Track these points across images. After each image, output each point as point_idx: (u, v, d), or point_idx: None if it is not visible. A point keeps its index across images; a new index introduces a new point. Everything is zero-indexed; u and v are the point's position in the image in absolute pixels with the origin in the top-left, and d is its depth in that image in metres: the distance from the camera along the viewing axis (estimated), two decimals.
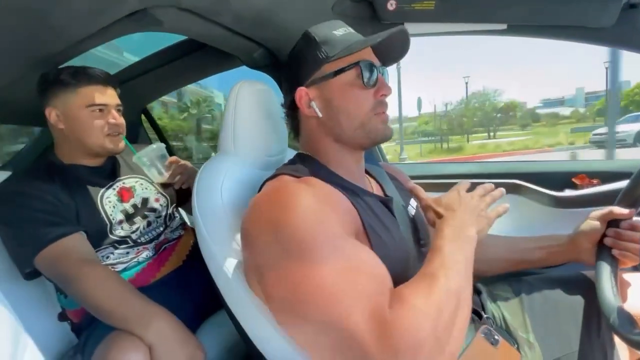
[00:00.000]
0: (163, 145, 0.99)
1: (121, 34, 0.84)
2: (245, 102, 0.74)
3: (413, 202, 0.74)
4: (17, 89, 1.03)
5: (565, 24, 0.78)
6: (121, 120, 0.93)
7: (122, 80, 1.42)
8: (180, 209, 1.16)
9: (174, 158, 1.01)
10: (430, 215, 0.60)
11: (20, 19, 0.68)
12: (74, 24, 0.74)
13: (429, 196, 0.64)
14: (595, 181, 0.99)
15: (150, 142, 1.77)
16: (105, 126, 0.89)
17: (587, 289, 0.74)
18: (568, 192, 1.00)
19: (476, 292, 0.78)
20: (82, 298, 0.76)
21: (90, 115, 0.87)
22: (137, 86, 1.42)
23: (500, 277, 0.83)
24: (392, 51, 0.64)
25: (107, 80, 0.90)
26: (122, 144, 0.95)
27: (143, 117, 1.70)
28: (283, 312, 0.48)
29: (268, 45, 0.99)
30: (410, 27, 0.87)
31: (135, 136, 1.62)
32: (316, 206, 0.48)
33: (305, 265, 0.44)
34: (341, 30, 0.60)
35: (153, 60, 1.32)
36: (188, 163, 1.04)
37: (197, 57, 1.22)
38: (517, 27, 0.81)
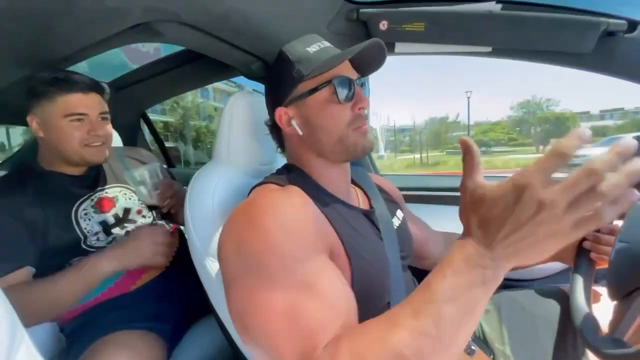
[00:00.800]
0: (158, 164, 0.96)
1: (123, 44, 0.87)
2: (240, 113, 0.77)
3: (399, 213, 0.75)
4: (17, 90, 1.06)
5: (546, 49, 0.81)
6: (103, 131, 0.89)
7: (123, 85, 1.46)
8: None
9: (167, 181, 0.95)
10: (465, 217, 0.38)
11: (26, 25, 0.70)
12: (78, 33, 0.77)
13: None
14: None
15: (148, 146, 1.80)
16: (85, 136, 0.86)
17: (565, 303, 0.77)
18: None
19: None
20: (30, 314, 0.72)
21: (69, 125, 0.84)
22: (138, 91, 1.45)
23: None
24: (370, 62, 0.63)
25: (90, 87, 0.87)
26: (104, 154, 0.91)
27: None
28: (239, 331, 0.47)
29: (266, 58, 1.03)
30: (401, 47, 0.91)
31: (134, 140, 1.65)
32: (281, 224, 0.46)
33: (260, 288, 0.43)
34: (315, 47, 0.60)
35: (154, 67, 1.35)
36: (179, 186, 1.00)
37: (197, 66, 1.26)
38: (501, 50, 0.85)
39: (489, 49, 0.84)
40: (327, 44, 0.62)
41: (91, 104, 0.87)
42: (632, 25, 0.75)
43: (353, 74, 0.61)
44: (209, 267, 0.67)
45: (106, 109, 0.91)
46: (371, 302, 0.54)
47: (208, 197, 0.69)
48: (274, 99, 0.63)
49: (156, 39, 0.85)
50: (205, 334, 0.92)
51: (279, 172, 0.65)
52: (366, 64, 0.63)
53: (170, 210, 0.97)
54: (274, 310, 0.41)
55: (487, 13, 0.81)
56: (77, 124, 0.85)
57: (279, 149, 0.71)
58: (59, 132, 0.85)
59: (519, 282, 1.00)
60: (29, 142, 1.84)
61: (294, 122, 0.60)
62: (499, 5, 0.81)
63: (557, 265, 1.02)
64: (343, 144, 0.59)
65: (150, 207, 0.98)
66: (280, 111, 0.61)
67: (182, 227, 0.79)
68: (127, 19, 0.73)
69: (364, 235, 0.59)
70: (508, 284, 0.98)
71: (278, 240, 0.45)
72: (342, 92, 0.57)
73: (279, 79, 0.61)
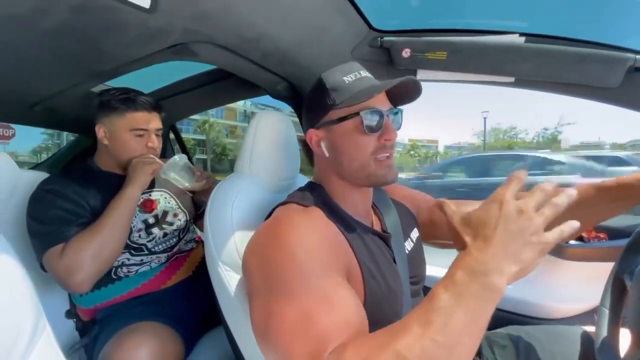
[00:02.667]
0: (184, 155, 1.05)
1: (161, 61, 0.94)
2: (264, 129, 0.81)
3: (415, 233, 0.75)
4: (64, 98, 1.16)
5: (571, 82, 0.81)
6: (157, 144, 1.01)
7: (157, 99, 1.55)
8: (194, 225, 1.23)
9: (197, 168, 1.09)
10: (460, 242, 0.45)
11: (81, 43, 0.78)
12: (122, 51, 0.85)
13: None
14: (602, 235, 0.98)
15: (174, 154, 1.88)
16: (144, 149, 0.99)
17: (587, 344, 0.72)
18: (574, 243, 0.99)
19: None
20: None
21: (132, 138, 0.97)
22: (169, 105, 1.54)
23: (501, 324, 0.82)
24: (404, 95, 0.65)
25: (152, 107, 1.00)
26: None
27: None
28: (258, 337, 0.49)
29: (291, 79, 1.08)
30: (423, 74, 0.94)
31: (164, 151, 1.74)
32: (305, 241, 0.49)
33: (280, 301, 0.46)
34: (351, 77, 0.62)
35: (186, 84, 1.44)
36: (209, 174, 1.12)
37: (226, 84, 1.33)
38: (524, 81, 0.86)
39: (512, 79, 0.85)
40: (365, 73, 0.64)
41: (152, 121, 1.00)
42: None
43: (385, 105, 0.62)
44: (222, 275, 0.68)
45: (161, 126, 1.04)
46: (381, 326, 0.54)
47: (228, 207, 0.71)
48: (308, 121, 0.67)
49: (191, 58, 0.92)
50: (214, 345, 0.93)
51: (302, 190, 0.67)
52: (400, 96, 0.65)
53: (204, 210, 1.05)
54: (290, 315, 0.45)
55: (511, 45, 0.82)
56: (139, 138, 0.98)
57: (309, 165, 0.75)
58: (123, 143, 0.97)
59: (539, 321, 0.95)
60: (70, 142, 1.99)
61: (322, 144, 0.64)
62: (522, 38, 0.82)
63: (580, 306, 0.97)
64: (364, 171, 0.61)
65: (189, 193, 1.07)
66: (311, 133, 0.65)
67: None
68: (167, 40, 0.79)
69: (379, 261, 0.60)
70: (527, 322, 0.94)
71: (299, 258, 0.48)
72: (370, 124, 0.59)
73: (314, 103, 0.65)
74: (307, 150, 0.72)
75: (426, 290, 0.72)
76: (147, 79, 1.47)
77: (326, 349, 0.41)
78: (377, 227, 0.70)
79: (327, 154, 0.63)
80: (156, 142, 1.01)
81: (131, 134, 0.97)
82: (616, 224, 1.02)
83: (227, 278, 0.67)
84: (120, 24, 0.70)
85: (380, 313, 0.55)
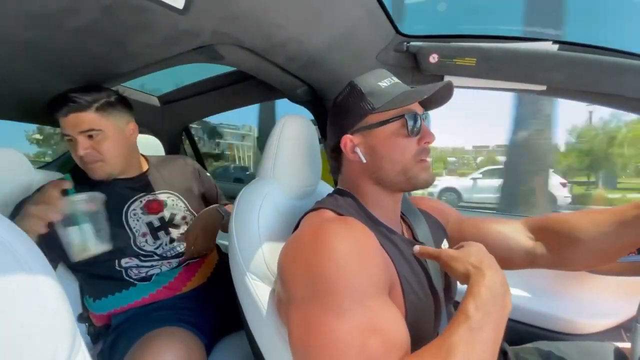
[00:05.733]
0: (101, 196, 0.78)
1: (184, 63, 0.93)
2: (289, 134, 0.79)
3: (445, 244, 0.73)
4: None
5: (604, 91, 0.79)
6: (85, 150, 0.87)
7: (172, 100, 1.55)
8: None
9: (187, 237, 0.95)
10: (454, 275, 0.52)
11: (103, 42, 0.77)
12: (147, 52, 0.83)
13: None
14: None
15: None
16: (79, 155, 0.88)
17: None
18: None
19: (501, 352, 0.75)
20: None
21: (70, 146, 0.90)
22: (185, 106, 1.53)
23: (530, 339, 0.80)
24: (435, 99, 0.65)
25: (70, 109, 0.86)
26: (101, 171, 0.91)
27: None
28: (295, 349, 0.48)
29: (313, 84, 1.06)
30: (450, 80, 0.92)
31: (176, 151, 1.72)
32: (353, 255, 0.48)
33: (327, 314, 0.45)
34: (386, 82, 0.63)
35: (201, 85, 1.43)
36: (200, 222, 0.97)
37: (243, 87, 1.32)
38: (557, 89, 0.84)
39: (544, 87, 0.83)
40: (396, 79, 0.65)
41: (71, 124, 0.87)
42: None
43: (419, 109, 0.63)
44: (248, 283, 0.66)
45: (91, 125, 0.88)
46: (420, 339, 0.52)
47: (254, 215, 0.70)
48: (340, 126, 0.65)
49: (216, 60, 0.91)
50: (231, 352, 0.91)
51: (332, 196, 0.66)
52: (431, 101, 0.65)
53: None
54: (340, 335, 0.43)
55: (543, 52, 0.81)
56: (71, 144, 0.89)
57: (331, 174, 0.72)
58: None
59: (565, 336, 0.93)
60: None
61: (358, 150, 0.62)
62: (556, 46, 0.81)
63: (607, 322, 0.94)
64: (405, 174, 0.61)
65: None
66: (346, 139, 0.63)
67: (225, 243, 0.80)
68: (194, 41, 0.78)
69: (416, 271, 0.59)
70: (553, 336, 0.92)
71: (348, 270, 0.46)
72: (411, 127, 0.59)
73: (348, 108, 0.64)
74: (335, 157, 0.69)
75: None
76: (160, 80, 1.47)
77: None
78: (408, 236, 0.69)
79: (364, 160, 0.62)
80: (83, 149, 0.86)
81: (67, 142, 0.88)
82: None
83: (255, 288, 0.65)
84: (149, 25, 0.69)
85: (419, 327, 0.54)
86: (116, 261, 0.90)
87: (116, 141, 0.93)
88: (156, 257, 0.95)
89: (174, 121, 1.62)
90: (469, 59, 0.86)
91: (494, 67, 0.85)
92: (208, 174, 1.23)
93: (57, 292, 0.38)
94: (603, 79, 0.77)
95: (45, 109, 1.21)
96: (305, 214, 0.62)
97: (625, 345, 0.73)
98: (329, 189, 0.90)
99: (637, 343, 0.57)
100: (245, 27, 0.74)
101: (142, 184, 1.01)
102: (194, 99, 1.49)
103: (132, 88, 1.47)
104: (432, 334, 0.58)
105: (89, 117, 0.88)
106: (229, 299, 0.79)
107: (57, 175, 1.07)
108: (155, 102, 1.57)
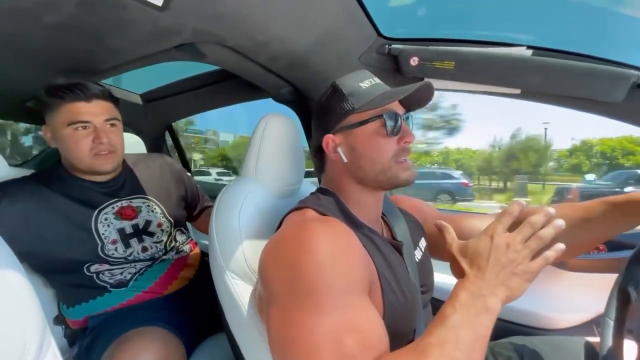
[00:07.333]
0: None
1: (166, 60, 0.92)
2: (271, 133, 0.79)
3: (422, 243, 0.75)
4: None
5: (577, 95, 0.83)
6: (108, 139, 0.86)
7: (154, 98, 1.52)
8: (191, 224, 1.19)
9: None
10: (456, 267, 0.52)
11: (83, 38, 0.75)
12: (128, 48, 0.82)
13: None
14: (601, 247, 0.99)
15: (169, 154, 1.84)
16: (91, 144, 0.84)
17: (590, 356, 0.73)
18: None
19: None
20: None
21: (73, 133, 0.83)
22: (167, 105, 1.51)
23: (504, 335, 0.82)
24: (416, 100, 0.66)
25: (94, 94, 0.84)
26: (111, 163, 0.89)
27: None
28: (273, 346, 0.48)
29: (296, 84, 1.07)
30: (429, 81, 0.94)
31: (159, 150, 1.70)
32: (335, 255, 0.48)
33: (306, 312, 0.45)
34: (367, 82, 0.63)
35: (187, 83, 1.42)
36: None
37: (227, 86, 1.31)
38: (530, 93, 0.87)
39: (518, 91, 0.86)
40: (377, 80, 0.65)
41: (95, 111, 0.84)
42: None
43: (400, 109, 0.64)
44: (228, 282, 0.66)
45: (114, 115, 0.89)
46: (397, 339, 0.53)
47: (235, 213, 0.70)
48: (323, 127, 0.66)
49: (197, 58, 0.90)
50: (213, 353, 0.90)
51: (314, 195, 0.66)
52: (413, 101, 0.66)
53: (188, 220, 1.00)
54: (318, 333, 0.44)
55: (518, 57, 0.83)
56: (81, 132, 0.83)
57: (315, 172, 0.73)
58: (66, 141, 0.84)
59: (539, 331, 0.96)
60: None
61: (339, 149, 0.63)
62: (530, 51, 0.84)
63: (579, 317, 0.98)
64: (385, 174, 0.61)
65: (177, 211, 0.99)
66: (327, 138, 0.64)
67: (206, 243, 0.79)
68: (175, 39, 0.77)
69: (397, 272, 0.59)
70: (528, 332, 0.95)
71: (329, 270, 0.47)
72: (391, 126, 0.60)
73: (330, 108, 0.64)
74: (319, 156, 0.70)
75: (434, 301, 0.71)
76: (142, 78, 1.44)
77: None
78: (387, 235, 0.70)
79: (345, 159, 0.62)
80: (104, 137, 0.85)
81: (70, 129, 0.82)
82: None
83: (235, 286, 0.65)
84: (129, 21, 0.68)
85: (397, 326, 0.54)
86: (84, 268, 0.86)
87: (122, 135, 0.93)
88: (126, 262, 0.91)
89: (156, 119, 1.60)
90: (448, 63, 0.88)
91: (471, 71, 0.87)
92: (189, 174, 1.20)
93: (27, 293, 0.38)
94: (574, 83, 0.81)
95: (19, 107, 1.18)
96: (288, 213, 0.63)
97: (596, 339, 0.76)
98: (312, 188, 0.90)
99: (605, 337, 0.59)
100: (229, 25, 0.74)
101: (115, 189, 0.95)
102: (177, 97, 1.47)
103: (113, 85, 1.45)
104: (410, 333, 0.58)
105: (111, 107, 0.88)
106: (210, 302, 0.79)
107: (30, 172, 1.03)
108: (138, 99, 1.54)
